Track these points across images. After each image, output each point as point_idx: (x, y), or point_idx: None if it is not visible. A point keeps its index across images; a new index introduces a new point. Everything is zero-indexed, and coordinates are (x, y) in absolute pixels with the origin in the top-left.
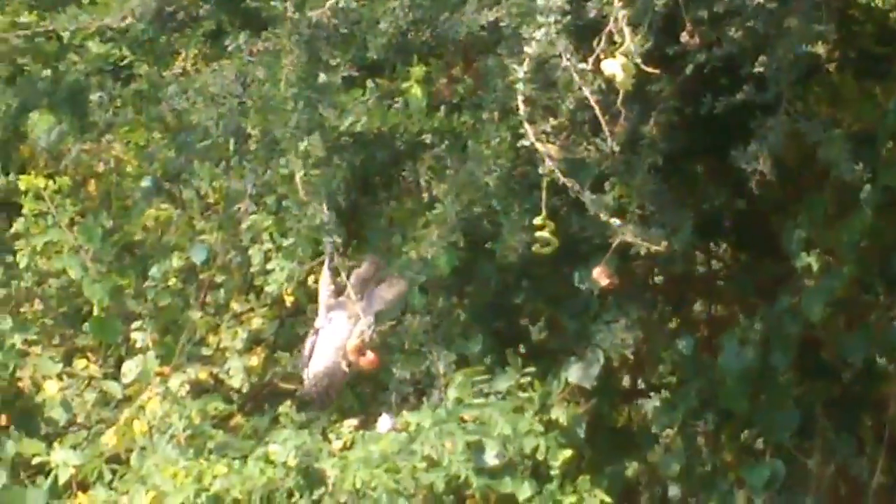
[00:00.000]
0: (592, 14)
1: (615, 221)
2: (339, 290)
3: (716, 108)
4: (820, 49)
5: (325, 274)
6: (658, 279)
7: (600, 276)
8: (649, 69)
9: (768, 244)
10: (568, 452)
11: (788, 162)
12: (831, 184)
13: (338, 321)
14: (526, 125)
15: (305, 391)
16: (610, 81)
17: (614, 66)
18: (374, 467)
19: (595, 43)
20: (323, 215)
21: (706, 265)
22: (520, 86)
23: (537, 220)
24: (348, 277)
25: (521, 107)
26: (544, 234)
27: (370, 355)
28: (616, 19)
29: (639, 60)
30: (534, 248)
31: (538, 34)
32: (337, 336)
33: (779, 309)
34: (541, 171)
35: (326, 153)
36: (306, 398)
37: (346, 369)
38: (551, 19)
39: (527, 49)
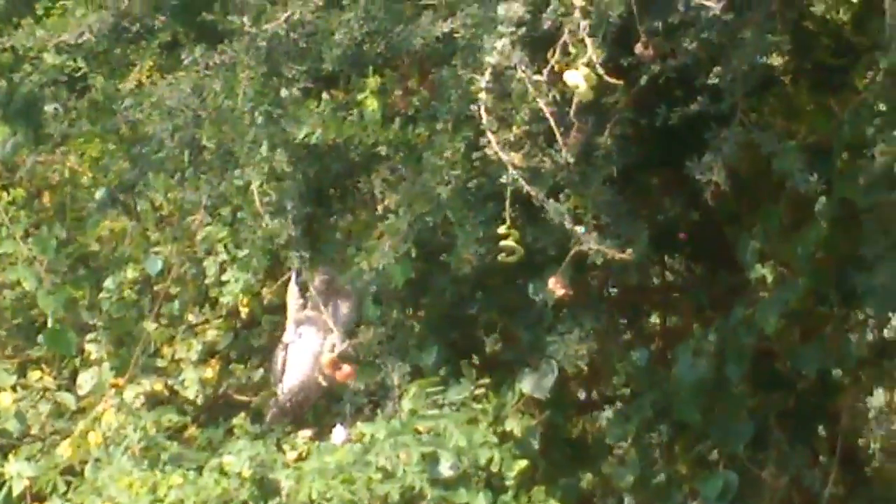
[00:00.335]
0: (547, 25)
1: (579, 229)
2: (306, 304)
3: (670, 120)
4: (775, 61)
5: (293, 288)
6: (613, 290)
7: (555, 286)
8: (611, 79)
9: (723, 256)
10: (522, 464)
11: (743, 173)
12: (786, 195)
13: (308, 335)
14: (489, 134)
15: (280, 405)
16: (565, 92)
17: (576, 77)
18: (330, 478)
19: (550, 54)
20: (290, 229)
21: (661, 277)
22: (482, 95)
23: (501, 230)
24: (316, 293)
25: (484, 116)
26: (509, 242)
27: (346, 368)
28: (573, 31)
29: (601, 71)
30: (499, 258)
31: (498, 44)
32: (308, 350)
33: (733, 320)
34: (504, 179)
35: (288, 165)
36: (280, 412)
37: (324, 383)
38: (509, 30)
39: (487, 59)
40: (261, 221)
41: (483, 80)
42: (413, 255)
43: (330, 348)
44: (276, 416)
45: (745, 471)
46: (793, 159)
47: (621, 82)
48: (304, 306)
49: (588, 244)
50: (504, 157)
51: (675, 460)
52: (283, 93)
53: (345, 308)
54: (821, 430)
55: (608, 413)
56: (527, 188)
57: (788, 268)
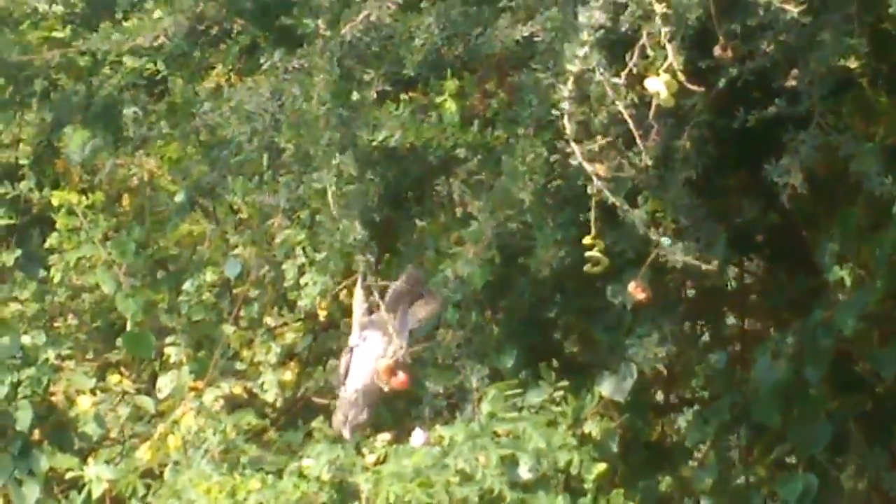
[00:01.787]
0: (625, 28)
1: (665, 240)
2: (373, 308)
3: (748, 122)
4: (853, 63)
5: (359, 292)
6: (691, 293)
7: (636, 290)
8: (693, 86)
9: (801, 258)
10: (601, 466)
11: (821, 175)
12: (864, 197)
13: (372, 340)
14: (573, 144)
15: (342, 409)
16: (643, 96)
17: (658, 84)
18: (408, 481)
19: (628, 57)
20: (357, 233)
21: (739, 279)
22: (564, 105)
23: (587, 240)
24: (381, 296)
25: (567, 126)
26: (595, 253)
27: (401, 376)
28: (655, 34)
29: (683, 78)
30: (585, 268)
31: (580, 52)
32: (371, 355)
33: (811, 323)
34: (589, 190)
35: (359, 169)
36: (343, 417)
37: (385, 388)
38: (592, 34)
39: (569, 66)
40: (338, 225)
41: (565, 89)
42: (494, 260)
43: (390, 355)
44: (338, 421)
45: (824, 474)
46: (870, 161)
47: (702, 88)
48: (369, 310)
49: (671, 255)
50: (589, 167)
51: (754, 463)
52: (355, 96)
53: (416, 312)
54: None
55: (687, 416)
56: (612, 199)
57: (866, 270)
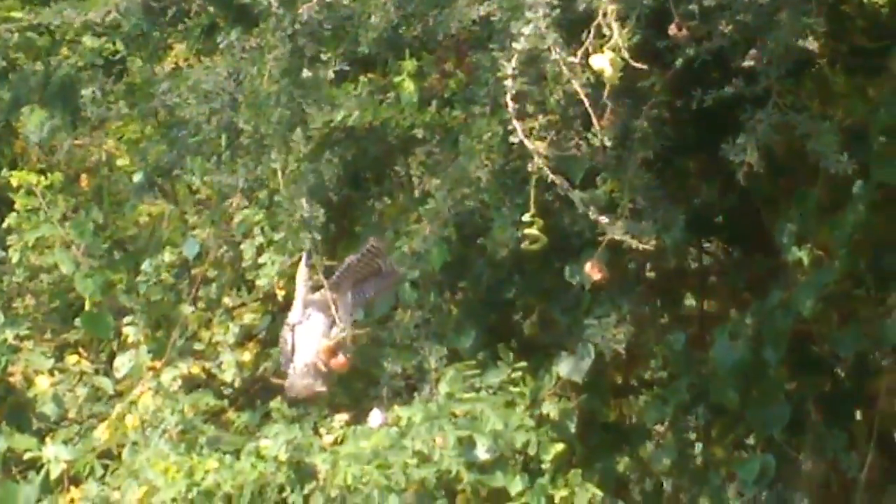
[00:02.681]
0: (581, 7)
1: (604, 219)
2: (317, 287)
3: (706, 102)
4: (812, 44)
5: (303, 269)
6: (650, 274)
7: (592, 270)
8: (637, 64)
9: (760, 239)
10: (559, 447)
11: (780, 157)
12: (823, 178)
13: (315, 318)
14: (515, 122)
15: (291, 388)
16: (598, 75)
17: (602, 61)
18: (365, 463)
19: (584, 36)
20: (303, 210)
21: (698, 260)
22: (508, 82)
23: (526, 217)
24: (325, 275)
25: (510, 103)
26: (533, 231)
27: (341, 357)
28: (605, 13)
29: (627, 55)
30: (522, 246)
31: (526, 30)
32: (314, 334)
33: (770, 304)
34: (529, 168)
35: (314, 149)
36: (294, 395)
37: (323, 369)
38: (540, 13)
39: (515, 45)
40: (294, 203)
41: (510, 67)
42: (451, 238)
43: (331, 336)
44: (291, 399)
45: (783, 454)
46: (828, 141)
47: (646, 66)
48: (313, 289)
49: (614, 233)
50: (529, 145)
51: (712, 444)
52: (312, 75)
53: (363, 290)
54: (858, 413)
55: (645, 397)
56: (552, 177)
57: (825, 251)
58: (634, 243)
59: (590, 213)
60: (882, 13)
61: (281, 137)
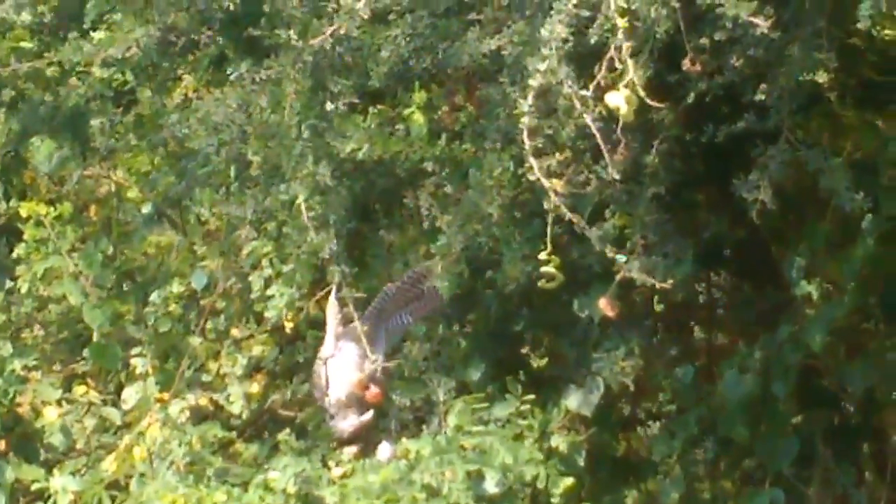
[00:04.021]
0: (593, 41)
1: (620, 258)
2: (347, 319)
3: (717, 137)
4: (821, 78)
5: (333, 303)
6: (659, 307)
7: (606, 307)
8: (653, 102)
9: (769, 273)
10: (568, 481)
11: (789, 191)
12: (832, 213)
13: (346, 351)
14: (532, 160)
15: (337, 432)
16: (611, 110)
17: (618, 99)
18: (375, 496)
19: (596, 70)
20: (332, 244)
21: (707, 293)
22: (525, 119)
23: (542, 255)
24: (355, 308)
25: (526, 140)
26: (549, 269)
27: (374, 389)
28: (618, 49)
29: (642, 93)
30: (539, 284)
31: (542, 66)
32: (347, 367)
33: (779, 337)
34: (546, 206)
35: (331, 180)
36: (341, 438)
37: (354, 403)
38: (554, 48)
39: (531, 81)
40: (306, 236)
41: (526, 104)
42: (465, 273)
43: (363, 369)
44: (341, 442)
45: (791, 488)
46: (839, 177)
47: (663, 105)
48: (343, 321)
49: (629, 272)
50: (546, 183)
51: (721, 477)
52: (329, 107)
53: (388, 327)
54: (867, 447)
55: (654, 430)
56: (569, 215)
57: (834, 285)
58: (648, 280)
59: (606, 251)
60: (892, 47)
61: (301, 170)
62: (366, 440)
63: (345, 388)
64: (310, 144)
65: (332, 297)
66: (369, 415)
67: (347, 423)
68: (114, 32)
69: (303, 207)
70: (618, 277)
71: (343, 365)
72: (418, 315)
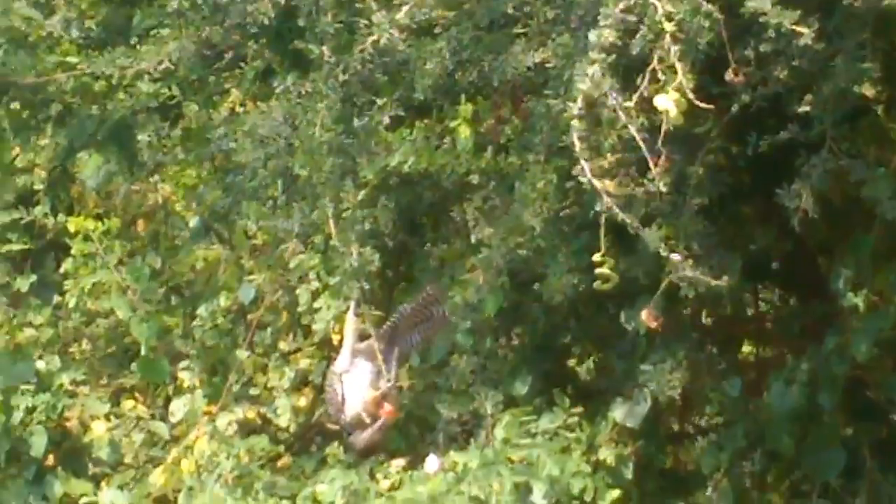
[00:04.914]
0: (636, 52)
1: (675, 257)
2: (364, 336)
3: (761, 148)
4: (868, 90)
5: (351, 318)
6: (706, 320)
7: (648, 318)
8: (702, 104)
9: (816, 285)
10: (615, 493)
11: (835, 202)
12: (879, 225)
13: (361, 367)
14: (583, 162)
15: (354, 446)
16: (655, 120)
17: (666, 102)
18: None
19: (639, 80)
20: (366, 257)
21: (754, 306)
22: (574, 123)
23: (596, 257)
24: (373, 324)
25: (577, 143)
26: (604, 270)
27: (388, 407)
28: (663, 57)
29: (691, 95)
30: (595, 285)
31: (590, 70)
32: (361, 384)
33: (826, 349)
34: (598, 208)
35: (368, 194)
36: (359, 451)
37: (367, 420)
38: (601, 56)
39: (580, 85)
40: (350, 249)
41: (575, 108)
42: (505, 286)
43: (377, 386)
44: (359, 454)
45: (838, 500)
46: (882, 186)
47: (711, 107)
48: (361, 337)
49: (682, 272)
50: (598, 185)
51: (769, 490)
52: (357, 122)
53: (399, 346)
54: None
55: (701, 443)
56: (621, 216)
57: (881, 296)
58: (690, 292)
59: (661, 251)
60: None
61: (333, 186)
62: (402, 452)
63: (359, 405)
64: (340, 160)
65: (350, 313)
66: (379, 423)
67: (360, 438)
68: (151, 46)
69: (331, 225)
70: (662, 286)
71: (357, 381)
72: (425, 337)
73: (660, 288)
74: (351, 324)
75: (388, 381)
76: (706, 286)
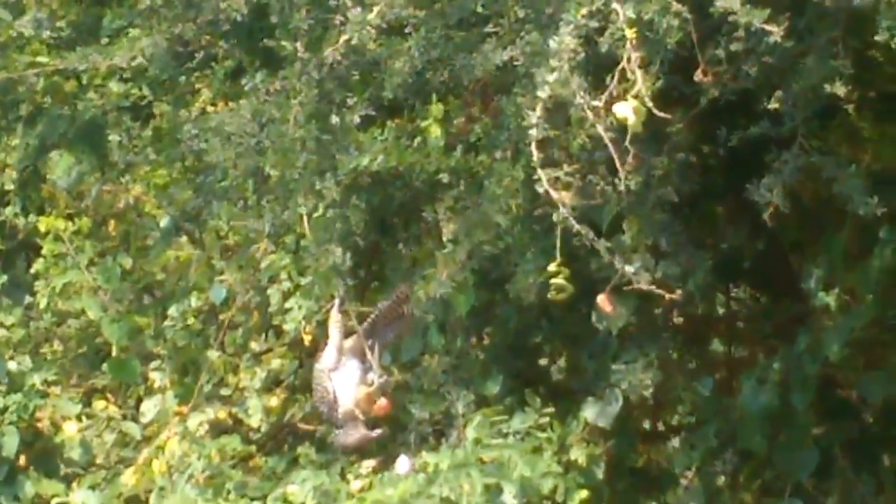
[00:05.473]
0: (604, 50)
1: (629, 269)
2: (350, 332)
3: (731, 142)
4: (839, 89)
5: (335, 315)
6: (678, 320)
7: (604, 303)
8: (660, 113)
9: (787, 284)
10: (586, 493)
11: (806, 201)
12: (850, 224)
13: (349, 365)
14: (540, 171)
15: (343, 445)
16: (621, 121)
17: (626, 109)
18: None
19: (608, 80)
20: (336, 256)
21: (725, 305)
22: (533, 131)
23: (551, 267)
24: (359, 320)
25: (535, 152)
26: (559, 280)
27: (383, 401)
28: (628, 60)
29: (650, 104)
30: (549, 295)
31: (550, 77)
32: (350, 381)
33: (798, 349)
34: (555, 218)
35: (342, 193)
36: (347, 449)
37: (360, 416)
38: (564, 60)
39: (539, 93)
40: (322, 249)
41: (534, 116)
42: (474, 283)
43: (366, 382)
44: (346, 451)
45: (810, 500)
46: (854, 183)
47: (670, 116)
48: (347, 335)
49: (639, 282)
50: (555, 195)
51: (741, 489)
52: (334, 120)
53: (387, 339)
54: (886, 458)
55: (673, 442)
56: (577, 227)
57: (853, 296)
58: (663, 287)
59: (615, 262)
60: None
61: (307, 183)
62: (376, 452)
63: (349, 402)
64: (314, 157)
65: (334, 310)
66: (377, 431)
67: (352, 436)
68: (121, 42)
69: (305, 222)
70: (613, 280)
71: (346, 378)
72: (397, 334)
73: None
74: (336, 321)
75: (381, 376)
76: (666, 291)
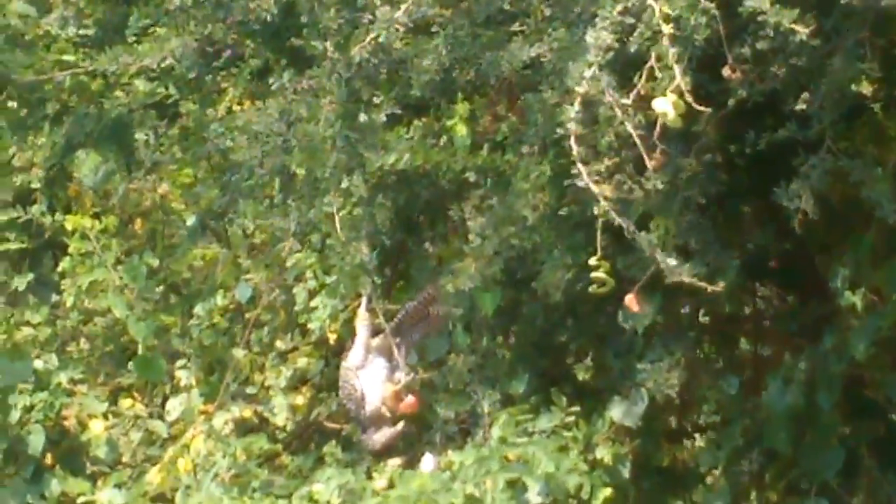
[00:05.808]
0: (634, 49)
1: (671, 261)
2: (377, 330)
3: (759, 145)
4: (866, 89)
5: (363, 313)
6: (704, 319)
7: (631, 302)
8: (700, 107)
9: (814, 284)
10: (610, 491)
11: (834, 202)
12: (877, 224)
13: (376, 363)
14: (580, 166)
15: (371, 445)
16: (652, 118)
17: (665, 105)
18: None
19: (636, 78)
20: (363, 255)
21: (752, 305)
22: (571, 125)
23: (592, 261)
24: (386, 319)
25: (574, 147)
26: (600, 274)
27: (410, 398)
28: (662, 56)
29: (690, 98)
30: (590, 289)
31: (587, 73)
32: (377, 379)
33: (824, 348)
34: (595, 211)
35: (368, 192)
36: (375, 449)
37: (387, 414)
38: (600, 55)
39: (577, 88)
40: (348, 248)
41: (572, 111)
42: (502, 280)
43: (395, 381)
44: (375, 453)
45: (837, 499)
46: (881, 187)
47: (709, 110)
48: (374, 332)
49: (677, 275)
50: (595, 189)
51: (766, 489)
52: (362, 118)
53: (413, 340)
54: None
55: (699, 441)
56: (618, 220)
57: (879, 295)
58: (690, 287)
59: (657, 256)
60: None
61: (337, 182)
62: (402, 451)
63: (376, 400)
64: (343, 156)
65: (361, 308)
66: (400, 426)
67: (379, 435)
68: (154, 44)
69: (337, 220)
70: (648, 273)
71: (373, 377)
72: (423, 334)
73: (657, 286)
74: (363, 319)
75: (408, 374)
76: (699, 282)
